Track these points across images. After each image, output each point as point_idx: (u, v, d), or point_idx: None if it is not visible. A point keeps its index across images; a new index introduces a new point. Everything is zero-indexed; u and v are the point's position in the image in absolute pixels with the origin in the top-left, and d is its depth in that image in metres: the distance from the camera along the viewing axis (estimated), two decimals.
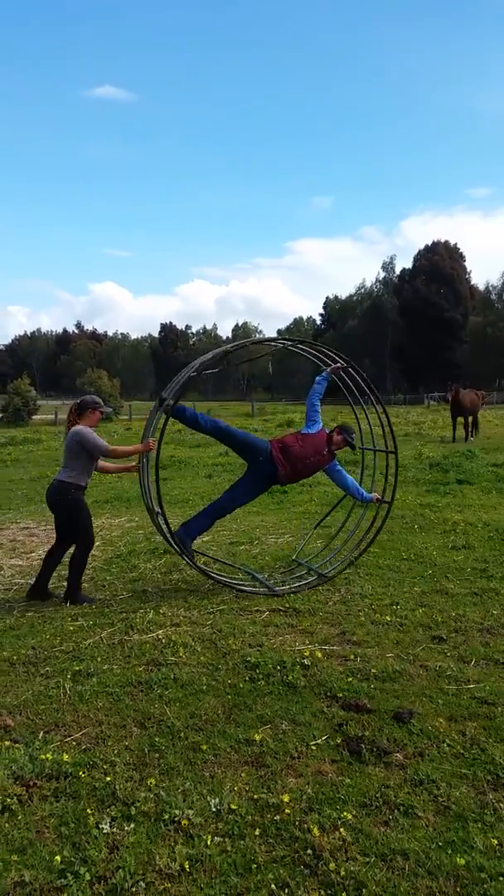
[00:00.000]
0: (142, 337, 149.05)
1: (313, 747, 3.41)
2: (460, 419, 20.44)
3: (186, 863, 2.58)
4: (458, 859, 2.58)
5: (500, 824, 2.80)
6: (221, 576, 6.27)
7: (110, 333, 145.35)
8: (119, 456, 6.06)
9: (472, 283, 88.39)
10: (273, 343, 7.20)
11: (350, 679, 4.15)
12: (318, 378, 6.45)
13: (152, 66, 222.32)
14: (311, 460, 6.22)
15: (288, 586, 6.15)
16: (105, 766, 3.26)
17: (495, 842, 2.68)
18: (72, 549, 6.04)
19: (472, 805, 2.93)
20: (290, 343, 6.75)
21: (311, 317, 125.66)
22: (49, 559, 6.08)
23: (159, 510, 5.71)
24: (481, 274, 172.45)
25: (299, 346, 6.72)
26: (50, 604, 5.85)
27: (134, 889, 2.48)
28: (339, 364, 6.38)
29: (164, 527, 5.83)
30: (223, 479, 13.50)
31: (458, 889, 2.45)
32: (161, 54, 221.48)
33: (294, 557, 6.96)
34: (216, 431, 6.28)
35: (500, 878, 2.48)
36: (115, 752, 3.40)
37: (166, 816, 2.86)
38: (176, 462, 16.17)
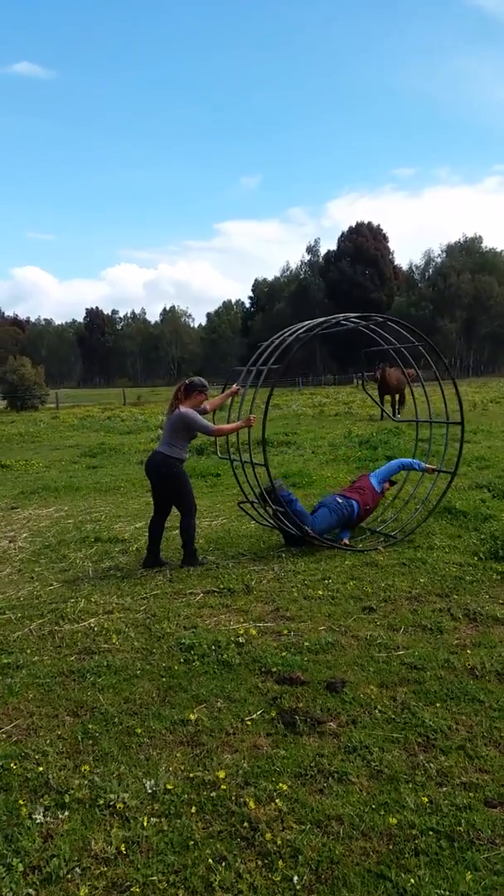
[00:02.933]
0: (66, 323, 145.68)
1: (248, 723, 3.44)
2: (388, 397, 20.87)
3: (123, 845, 2.57)
4: (390, 819, 2.65)
5: (430, 783, 2.89)
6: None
7: (33, 319, 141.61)
8: (223, 434, 6.46)
9: (395, 263, 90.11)
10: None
11: (284, 654, 4.19)
12: (420, 464, 7.18)
13: (72, 42, 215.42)
14: (371, 508, 7.00)
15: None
16: (37, 757, 3.19)
17: (426, 799, 2.77)
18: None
19: (403, 767, 3.02)
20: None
21: (239, 300, 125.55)
22: (154, 531, 6.43)
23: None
24: (405, 254, 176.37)
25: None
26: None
27: (69, 875, 2.45)
28: (436, 467, 7.27)
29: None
30: None
31: (391, 846, 2.52)
32: (81, 30, 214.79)
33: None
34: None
35: (430, 833, 2.57)
36: (48, 741, 3.33)
37: (101, 801, 2.83)
38: (106, 449, 15.92)
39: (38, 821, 2.73)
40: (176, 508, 6.43)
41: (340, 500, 6.72)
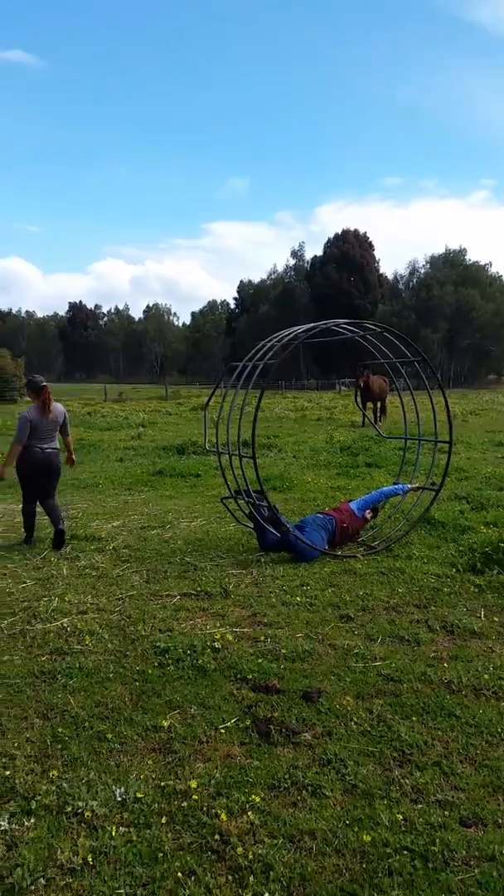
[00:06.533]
0: (48, 316, 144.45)
1: (222, 731, 3.38)
2: (370, 404, 20.89)
3: (90, 856, 2.49)
4: (364, 836, 2.60)
5: (404, 800, 2.85)
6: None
7: (14, 311, 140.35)
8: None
9: (380, 272, 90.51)
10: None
11: (260, 660, 4.13)
12: (403, 488, 7.38)
13: (66, 31, 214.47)
14: (351, 531, 6.92)
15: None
16: (4, 760, 3.11)
17: (400, 817, 2.72)
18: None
19: (378, 782, 2.97)
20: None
21: (224, 300, 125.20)
22: (33, 513, 7.20)
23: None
24: (390, 263, 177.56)
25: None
26: None
27: (33, 887, 2.37)
28: (421, 485, 7.47)
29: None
30: (134, 462, 13.27)
31: (364, 865, 2.47)
32: (76, 19, 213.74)
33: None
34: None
35: (405, 852, 2.52)
36: (15, 744, 3.25)
37: (69, 809, 2.75)
38: (86, 445, 15.76)
39: (2, 827, 2.64)
40: (49, 492, 7.06)
41: (321, 517, 6.77)
